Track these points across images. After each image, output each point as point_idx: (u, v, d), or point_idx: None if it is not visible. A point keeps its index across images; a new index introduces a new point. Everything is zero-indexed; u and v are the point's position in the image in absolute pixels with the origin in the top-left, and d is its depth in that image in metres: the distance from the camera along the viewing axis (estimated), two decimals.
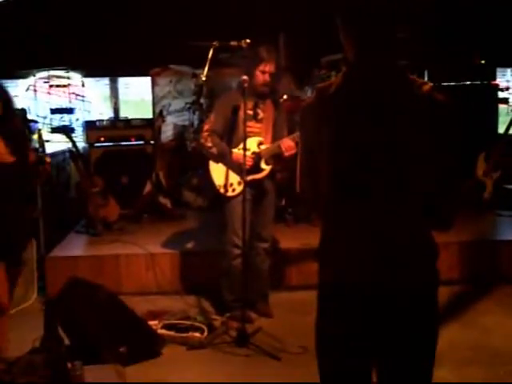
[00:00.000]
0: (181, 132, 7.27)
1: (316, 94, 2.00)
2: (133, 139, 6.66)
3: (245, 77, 4.15)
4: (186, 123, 7.14)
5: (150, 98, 7.52)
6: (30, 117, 6.59)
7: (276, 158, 4.39)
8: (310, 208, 4.94)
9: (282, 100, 5.14)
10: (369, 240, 1.91)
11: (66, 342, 3.68)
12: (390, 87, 1.91)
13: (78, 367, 1.70)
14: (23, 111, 6.40)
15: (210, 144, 4.36)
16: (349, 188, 1.93)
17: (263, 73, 4.29)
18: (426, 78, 6.86)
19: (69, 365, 1.70)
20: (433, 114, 1.88)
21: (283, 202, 6.04)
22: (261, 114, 4.43)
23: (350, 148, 1.91)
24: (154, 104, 7.39)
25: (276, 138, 4.41)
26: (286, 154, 4.22)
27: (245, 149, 4.11)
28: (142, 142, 6.66)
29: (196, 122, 6.74)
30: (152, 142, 6.71)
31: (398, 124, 1.88)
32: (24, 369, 1.68)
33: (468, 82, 7.24)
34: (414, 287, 1.92)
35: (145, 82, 7.56)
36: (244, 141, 4.12)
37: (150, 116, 7.17)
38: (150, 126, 6.76)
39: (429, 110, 1.88)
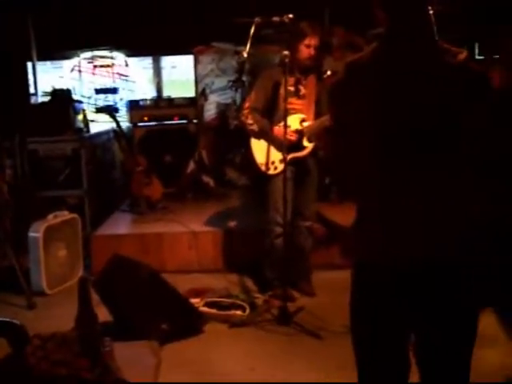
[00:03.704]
0: (223, 110, 7.23)
1: (345, 68, 1.94)
2: (176, 118, 6.70)
3: (286, 52, 4.08)
4: (229, 101, 7.09)
5: (193, 76, 7.50)
6: (74, 97, 6.65)
7: (319, 135, 4.32)
8: (340, 188, 4.89)
9: (325, 76, 5.04)
10: (407, 214, 1.84)
11: (109, 319, 3.76)
12: (419, 56, 1.84)
13: (108, 343, 1.70)
14: (68, 92, 6.47)
15: (250, 121, 4.33)
16: (386, 159, 1.86)
17: (308, 47, 4.23)
18: (476, 51, 6.64)
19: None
20: (467, 83, 1.81)
21: (327, 181, 5.96)
22: (302, 91, 4.36)
23: (381, 119, 1.85)
24: (197, 82, 7.37)
25: (319, 114, 4.34)
26: None
27: (285, 126, 4.05)
28: (185, 121, 6.68)
29: (239, 100, 6.69)
30: (195, 120, 6.72)
31: (428, 93, 1.80)
32: (57, 345, 1.69)
33: None
34: (451, 265, 1.85)
35: (188, 60, 7.53)
36: (284, 118, 4.06)
37: (193, 95, 7.17)
38: (192, 104, 6.78)
39: (462, 79, 1.81)
